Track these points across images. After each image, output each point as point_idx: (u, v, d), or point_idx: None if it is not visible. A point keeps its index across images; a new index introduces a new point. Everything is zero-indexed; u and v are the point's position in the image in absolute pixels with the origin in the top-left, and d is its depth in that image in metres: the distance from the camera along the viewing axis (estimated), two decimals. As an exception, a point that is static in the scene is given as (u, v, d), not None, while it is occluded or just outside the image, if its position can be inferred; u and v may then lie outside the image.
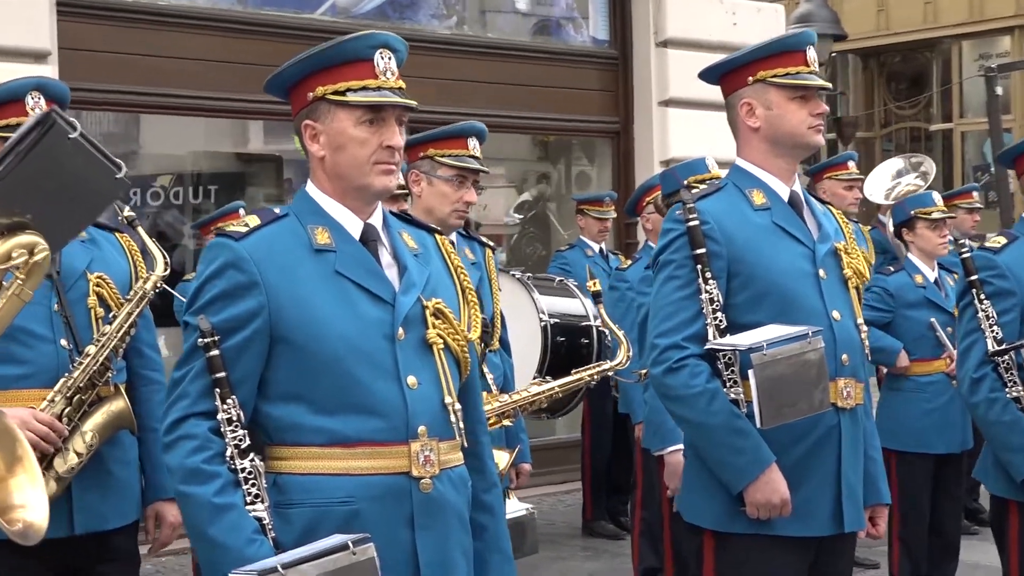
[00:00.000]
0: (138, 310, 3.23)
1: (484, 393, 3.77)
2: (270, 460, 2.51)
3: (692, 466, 3.24)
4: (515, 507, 5.12)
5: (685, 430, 3.22)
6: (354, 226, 2.57)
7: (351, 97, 2.51)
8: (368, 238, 2.57)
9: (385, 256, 2.59)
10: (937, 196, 5.58)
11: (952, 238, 5.62)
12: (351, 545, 2.29)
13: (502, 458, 3.94)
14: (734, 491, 3.09)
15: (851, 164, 6.59)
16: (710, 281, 3.12)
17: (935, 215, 5.46)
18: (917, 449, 5.40)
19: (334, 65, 2.51)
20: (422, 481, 2.49)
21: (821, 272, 3.20)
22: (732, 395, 3.08)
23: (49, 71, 6.47)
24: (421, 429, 2.49)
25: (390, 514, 2.46)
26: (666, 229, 3.22)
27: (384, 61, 2.52)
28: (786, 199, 3.25)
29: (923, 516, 5.42)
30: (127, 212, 3.38)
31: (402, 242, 2.62)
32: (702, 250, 3.12)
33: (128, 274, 3.36)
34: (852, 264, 3.30)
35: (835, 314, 3.19)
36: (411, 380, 2.49)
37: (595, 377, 4.14)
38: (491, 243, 4.27)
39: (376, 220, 2.61)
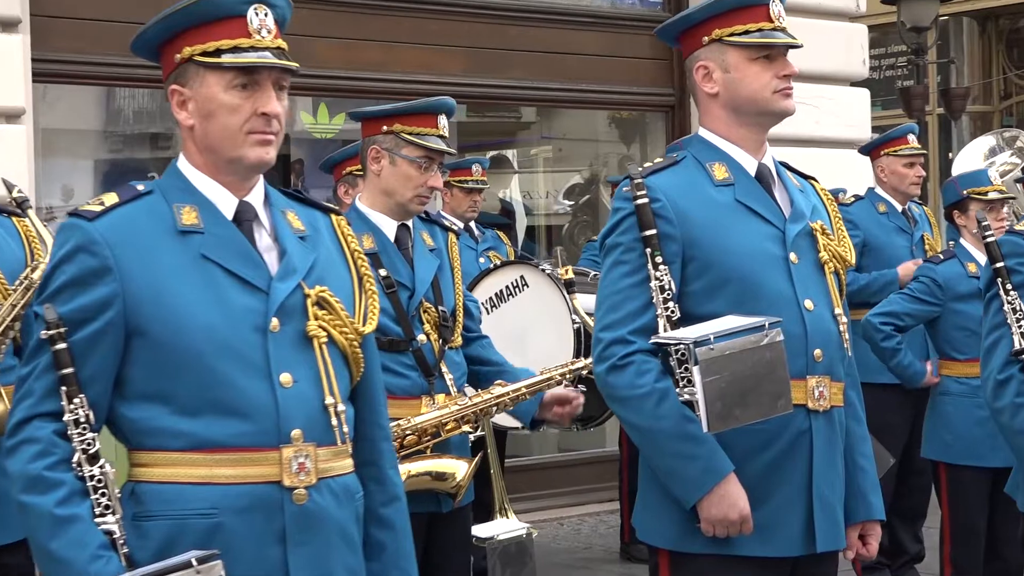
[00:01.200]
0: (23, 301, 3.19)
1: (440, 396, 3.90)
2: (130, 467, 2.50)
3: (645, 478, 3.22)
4: (512, 527, 5.14)
5: (633, 436, 3.18)
6: (227, 204, 2.55)
7: (222, 59, 2.49)
8: (243, 218, 2.55)
9: (264, 238, 2.57)
10: (994, 174, 5.45)
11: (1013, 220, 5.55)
12: (195, 563, 2.27)
13: (458, 469, 3.94)
14: (687, 505, 3.06)
15: (911, 137, 6.47)
16: (661, 267, 3.08)
17: (991, 195, 5.36)
18: (970, 462, 5.30)
19: (203, 23, 2.49)
20: (295, 492, 2.47)
21: (792, 256, 3.17)
22: (686, 396, 3.03)
23: (19, 41, 6.48)
24: (295, 433, 2.46)
25: (258, 528, 2.44)
26: (614, 208, 3.19)
27: (259, 17, 2.50)
28: (753, 173, 3.21)
29: (978, 537, 5.30)
30: (16, 193, 3.36)
31: (285, 222, 2.60)
32: (652, 231, 3.09)
33: (21, 261, 3.37)
34: (830, 247, 3.25)
35: (807, 303, 3.16)
36: (284, 378, 2.47)
37: (567, 376, 4.12)
38: (454, 226, 4.29)
39: (255, 198, 2.59)
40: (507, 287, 5.98)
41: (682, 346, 2.98)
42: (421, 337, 3.95)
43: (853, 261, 3.33)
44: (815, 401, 3.13)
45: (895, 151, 6.44)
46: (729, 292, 3.08)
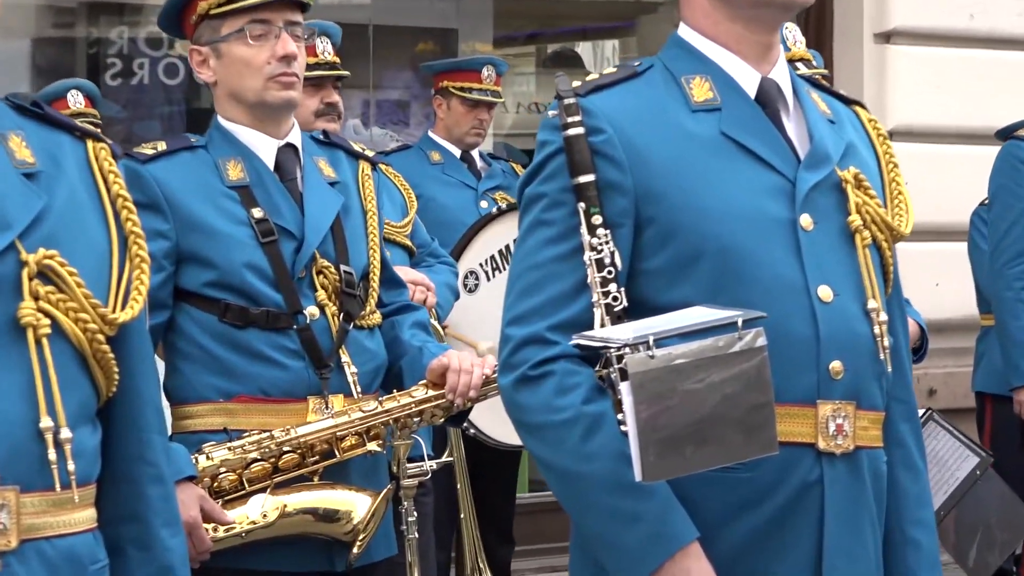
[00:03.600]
0: None
1: (337, 398, 3.88)
2: None
3: (574, 540, 3.06)
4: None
5: (550, 482, 2.97)
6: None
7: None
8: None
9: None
10: None
11: None
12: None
13: (357, 505, 3.82)
14: (625, 588, 2.87)
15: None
16: (601, 232, 2.87)
17: None
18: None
19: None
20: None
21: (804, 219, 2.94)
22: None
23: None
24: None
25: None
26: (539, 143, 3.01)
27: None
28: (752, 92, 2.99)
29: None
30: None
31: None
32: (589, 178, 2.88)
33: None
34: (867, 207, 3.00)
35: (822, 291, 2.92)
36: None
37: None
38: (370, 154, 4.28)
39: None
40: (515, 242, 5.87)
41: (610, 351, 2.73)
42: (312, 310, 3.90)
43: (907, 230, 3.11)
44: (829, 439, 2.93)
45: None
46: (703, 272, 2.90)
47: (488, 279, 5.98)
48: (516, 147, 9.57)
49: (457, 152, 6.91)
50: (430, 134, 6.97)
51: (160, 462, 2.63)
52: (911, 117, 8.57)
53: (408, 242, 5.54)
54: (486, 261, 6.01)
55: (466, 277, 6.07)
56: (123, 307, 2.49)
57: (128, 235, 2.54)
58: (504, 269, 5.98)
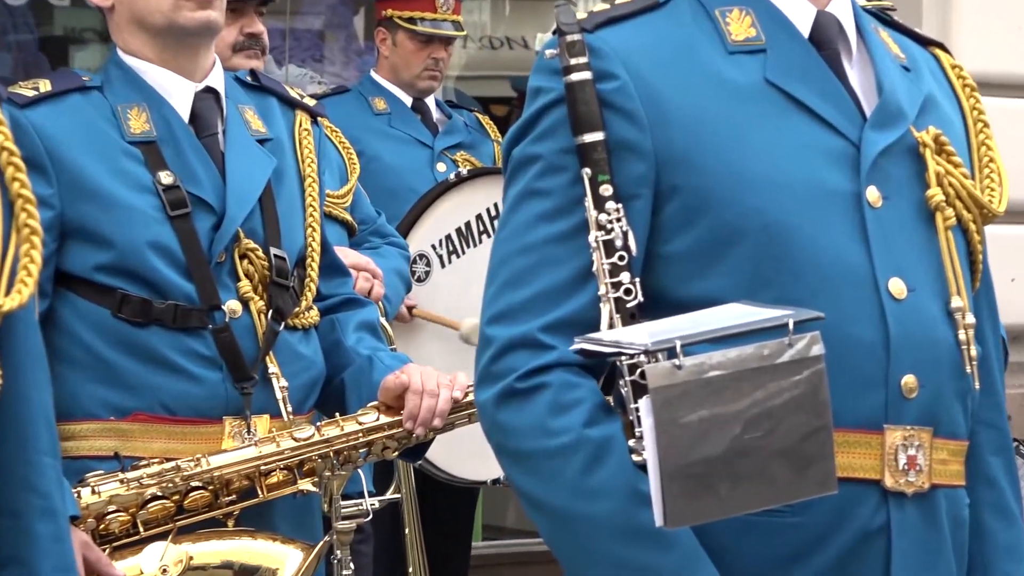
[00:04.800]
0: None
1: (262, 419, 3.95)
2: None
3: None
4: None
5: (539, 524, 3.02)
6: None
7: None
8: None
9: None
10: None
11: None
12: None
13: (285, 559, 3.89)
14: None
15: None
16: (611, 205, 2.91)
17: None
18: None
19: None
20: None
21: (871, 193, 2.99)
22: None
23: None
24: None
25: None
26: (531, 91, 3.05)
27: None
28: (806, 30, 3.06)
29: None
30: None
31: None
32: (596, 136, 2.93)
33: None
34: (951, 177, 3.06)
35: (894, 285, 2.98)
36: None
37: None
38: (310, 103, 4.36)
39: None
40: (479, 219, 6.09)
41: (622, 359, 2.80)
42: (232, 305, 3.97)
43: (1001, 208, 3.17)
44: (899, 475, 2.97)
45: None
46: (742, 258, 2.95)
47: (443, 266, 6.04)
48: (467, 93, 9.60)
49: (408, 100, 6.96)
50: (373, 75, 7.02)
51: (52, 492, 2.66)
52: (983, 64, 8.66)
53: (348, 216, 5.60)
54: (440, 242, 6.06)
55: (414, 262, 6.10)
56: (7, 292, 2.53)
57: (14, 199, 2.59)
58: (464, 254, 6.08)
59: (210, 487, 3.79)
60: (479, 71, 10.03)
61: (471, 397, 4.00)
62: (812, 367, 2.75)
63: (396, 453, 4.02)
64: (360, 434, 3.93)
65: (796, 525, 2.90)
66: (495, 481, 6.01)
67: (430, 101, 7.09)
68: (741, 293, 2.88)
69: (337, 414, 3.97)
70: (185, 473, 3.76)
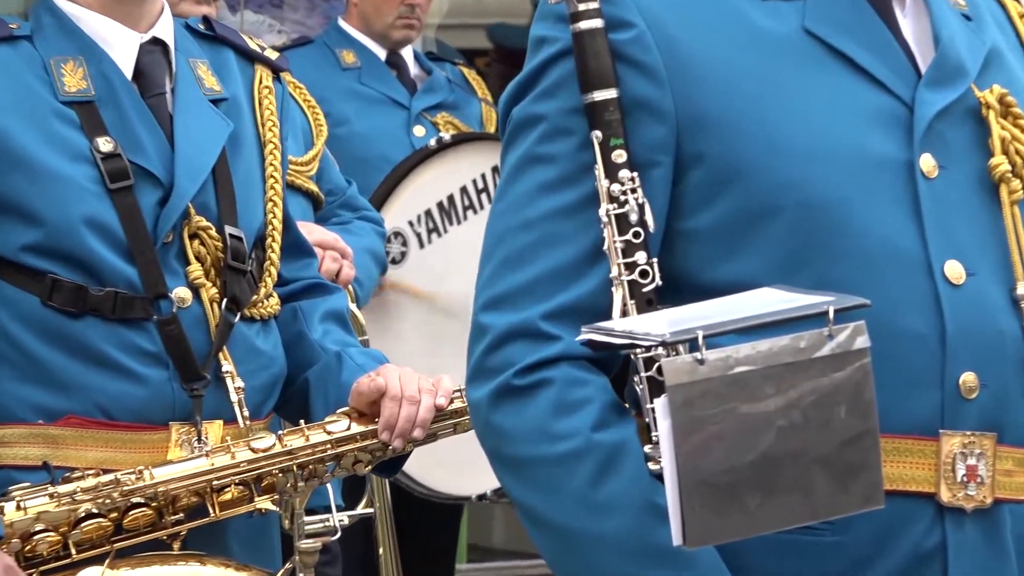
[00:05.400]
0: None
1: (215, 424, 4.00)
2: None
3: None
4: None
5: (539, 541, 3.05)
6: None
7: None
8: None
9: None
10: None
11: None
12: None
13: None
14: None
15: None
16: (625, 174, 2.95)
17: None
18: None
19: None
20: None
21: (926, 161, 3.02)
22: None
23: None
24: None
25: None
26: (533, 41, 3.07)
27: None
28: None
29: None
30: None
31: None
32: (609, 94, 2.96)
33: None
34: (1019, 143, 3.07)
35: (951, 268, 3.00)
36: None
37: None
38: (272, 56, 4.39)
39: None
40: (464, 192, 6.15)
41: (640, 352, 2.84)
42: (181, 292, 4.01)
43: None
44: (957, 488, 2.99)
45: None
46: (776, 236, 2.98)
47: (421, 246, 6.08)
48: (450, 44, 9.63)
49: (381, 53, 7.02)
50: (340, 23, 7.07)
51: None
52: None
53: (313, 186, 5.64)
54: (419, 219, 6.10)
55: (389, 241, 6.15)
56: None
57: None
58: (446, 232, 6.13)
59: (153, 504, 3.79)
60: (463, 18, 10.06)
61: (457, 404, 4.06)
62: (856, 362, 2.77)
63: (369, 468, 4.02)
64: (328, 445, 3.95)
65: (836, 545, 2.92)
66: (481, 497, 6.04)
67: (407, 54, 7.14)
68: (774, 276, 2.90)
69: (302, 421, 4.00)
70: (125, 487, 3.75)
